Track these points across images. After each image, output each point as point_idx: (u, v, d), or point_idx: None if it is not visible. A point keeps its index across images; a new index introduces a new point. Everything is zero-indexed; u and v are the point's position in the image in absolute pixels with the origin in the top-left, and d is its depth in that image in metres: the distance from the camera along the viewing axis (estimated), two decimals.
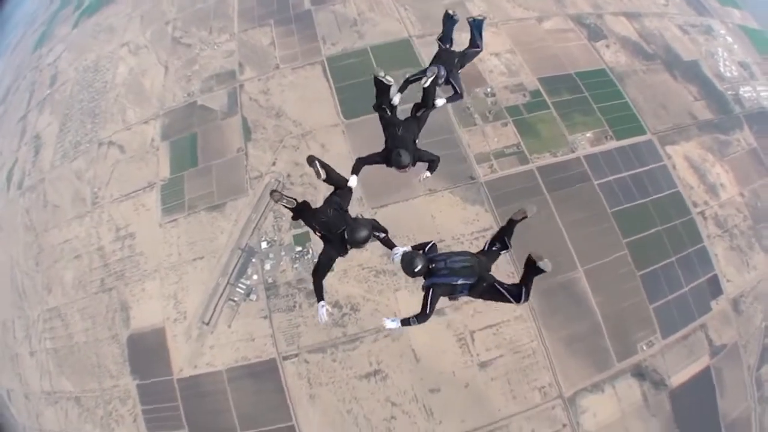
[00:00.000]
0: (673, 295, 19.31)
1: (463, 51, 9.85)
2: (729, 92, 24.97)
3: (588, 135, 20.69)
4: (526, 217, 7.37)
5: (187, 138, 22.13)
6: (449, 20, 9.79)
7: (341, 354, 17.68)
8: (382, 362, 17.36)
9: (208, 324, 18.30)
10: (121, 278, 19.99)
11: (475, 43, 9.90)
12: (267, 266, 18.91)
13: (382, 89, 8.93)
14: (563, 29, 23.59)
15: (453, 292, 7.28)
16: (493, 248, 7.69)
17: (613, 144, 20.98)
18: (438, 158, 8.81)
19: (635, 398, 17.61)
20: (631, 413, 17.56)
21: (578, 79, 22.23)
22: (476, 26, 9.78)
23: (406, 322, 7.29)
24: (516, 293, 6.99)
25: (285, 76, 22.61)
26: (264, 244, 19.18)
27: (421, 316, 7.15)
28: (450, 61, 9.56)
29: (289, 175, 20.38)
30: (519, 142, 20.35)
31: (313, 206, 8.06)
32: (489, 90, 20.57)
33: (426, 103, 8.94)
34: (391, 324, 7.36)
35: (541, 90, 21.58)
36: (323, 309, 7.47)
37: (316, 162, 7.84)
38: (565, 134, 20.76)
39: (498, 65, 21.60)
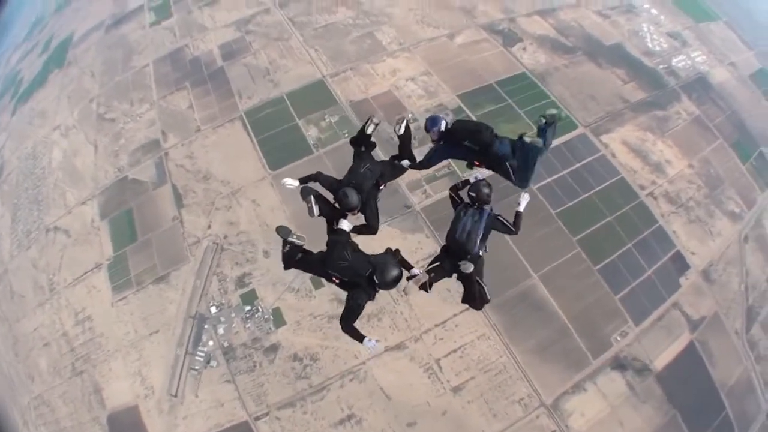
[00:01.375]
0: (637, 281, 19.83)
1: (506, 161, 8.07)
2: (660, 66, 25.95)
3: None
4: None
5: (123, 214, 22.61)
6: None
7: (311, 405, 17.78)
8: (353, 406, 17.56)
9: (176, 396, 18.55)
10: (89, 361, 20.32)
11: (524, 176, 7.96)
12: (220, 330, 19.21)
13: (365, 134, 8.20)
14: (476, 40, 24.50)
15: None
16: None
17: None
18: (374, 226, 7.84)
19: (620, 390, 17.95)
20: (620, 405, 17.89)
21: (499, 88, 23.03)
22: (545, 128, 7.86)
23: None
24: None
25: (207, 136, 23.22)
26: (213, 309, 19.52)
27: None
28: (468, 135, 7.98)
29: (225, 236, 20.82)
30: (449, 162, 20.57)
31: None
32: (410, 116, 21.20)
33: (402, 155, 8.32)
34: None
35: (463, 106, 22.31)
36: (372, 342, 7.11)
37: (312, 197, 7.43)
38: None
39: (415, 89, 22.39)
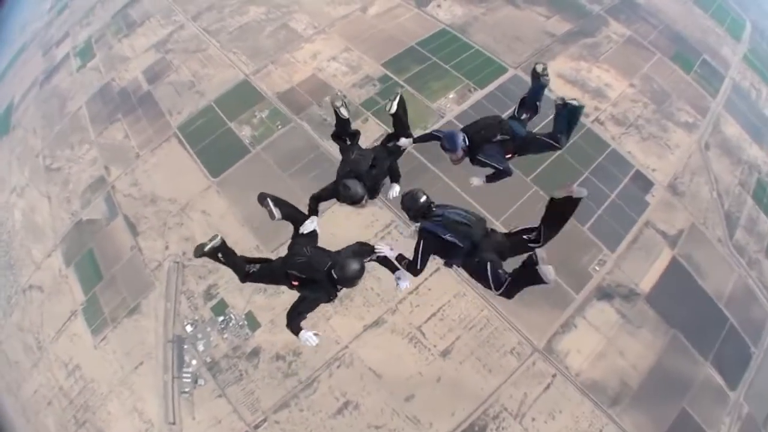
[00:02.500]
0: (602, 208, 18.78)
1: (534, 134, 7.45)
2: None
3: (451, 96, 20.20)
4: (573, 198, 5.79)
5: (85, 256, 21.07)
6: (536, 81, 7.65)
7: (305, 401, 16.58)
8: (347, 393, 16.25)
9: (174, 423, 17.30)
10: (88, 409, 18.83)
11: (556, 135, 7.13)
12: (200, 347, 17.88)
13: (340, 120, 7.33)
14: (390, 8, 23.22)
15: (446, 253, 6.35)
16: (523, 236, 6.29)
17: (479, 94, 20.60)
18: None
19: (612, 319, 16.96)
20: (616, 335, 16.88)
21: (421, 49, 21.93)
22: (568, 115, 7.12)
23: (408, 267, 6.66)
24: (497, 282, 5.84)
25: (147, 160, 21.75)
26: (189, 328, 18.15)
27: (411, 267, 6.50)
28: (489, 131, 7.09)
29: (184, 253, 19.34)
30: (384, 130, 19.42)
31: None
32: (338, 93, 19.62)
33: (398, 133, 7.45)
34: (404, 284, 6.82)
35: (389, 73, 21.14)
36: (308, 334, 6.54)
37: (268, 200, 6.91)
38: (428, 105, 20.34)
39: (339, 67, 21.12)
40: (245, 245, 18.31)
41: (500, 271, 5.85)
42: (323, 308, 16.93)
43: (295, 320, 6.45)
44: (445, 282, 17.44)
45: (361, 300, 17.46)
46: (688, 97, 22.80)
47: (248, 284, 15.50)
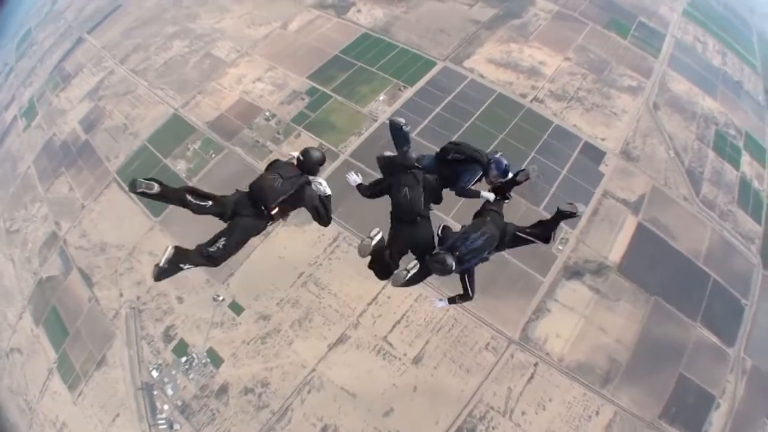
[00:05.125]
0: (555, 186, 16.56)
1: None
2: None
3: (381, 98, 17.54)
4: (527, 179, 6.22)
5: (51, 314, 18.30)
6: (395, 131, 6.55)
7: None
8: (322, 417, 13.90)
9: None
10: None
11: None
12: (169, 391, 15.30)
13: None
14: (310, 20, 20.43)
15: (484, 260, 5.73)
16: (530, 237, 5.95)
17: (409, 92, 18.17)
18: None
19: (586, 297, 14.87)
20: (593, 312, 14.74)
21: (345, 56, 19.44)
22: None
23: (453, 300, 6.08)
24: (543, 236, 5.76)
25: (92, 209, 18.81)
26: (155, 373, 15.54)
27: (467, 298, 5.81)
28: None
29: (138, 298, 16.58)
30: (319, 143, 17.00)
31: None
32: (267, 114, 16.91)
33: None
34: (440, 303, 6.35)
35: (315, 85, 18.56)
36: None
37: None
38: (359, 110, 17.82)
39: (265, 87, 18.41)
40: (196, 280, 15.86)
41: (531, 230, 5.83)
42: (281, 336, 14.98)
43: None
44: (403, 288, 14.38)
45: (320, 319, 14.85)
46: (629, 61, 20.62)
47: (203, 322, 15.39)
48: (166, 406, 15.23)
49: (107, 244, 17.94)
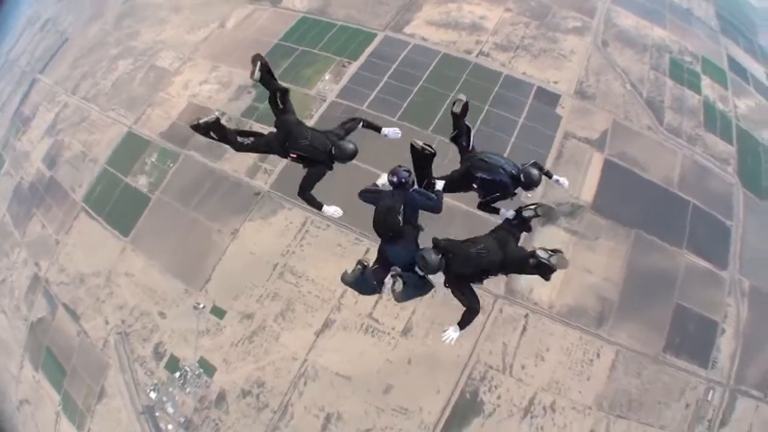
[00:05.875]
0: (514, 136, 15.64)
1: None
2: None
3: (326, 77, 16.49)
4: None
5: (47, 356, 17.40)
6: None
7: (287, 430, 13.19)
8: (324, 406, 13.02)
9: None
10: None
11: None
12: (170, 410, 14.49)
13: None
14: (247, 15, 19.38)
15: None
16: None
17: (354, 66, 17.19)
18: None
19: (564, 240, 14.03)
20: (574, 254, 13.75)
21: (285, 42, 18.29)
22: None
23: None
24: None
25: (65, 243, 17.80)
26: (153, 394, 14.70)
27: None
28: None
29: (123, 321, 15.59)
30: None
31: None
32: (217, 113, 15.05)
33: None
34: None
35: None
36: (332, 209, 5.70)
37: (259, 62, 5.74)
38: (307, 93, 16.88)
39: (211, 88, 17.50)
40: (173, 292, 14.95)
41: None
42: (266, 334, 14.14)
43: (309, 194, 5.66)
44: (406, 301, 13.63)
45: (302, 308, 13.91)
46: (571, 3, 19.57)
47: (189, 332, 14.27)
48: (170, 426, 14.37)
49: (84, 274, 16.99)
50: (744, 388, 13.85)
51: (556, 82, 16.89)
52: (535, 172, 5.68)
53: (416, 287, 5.35)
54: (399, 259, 5.32)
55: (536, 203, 5.75)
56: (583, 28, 18.66)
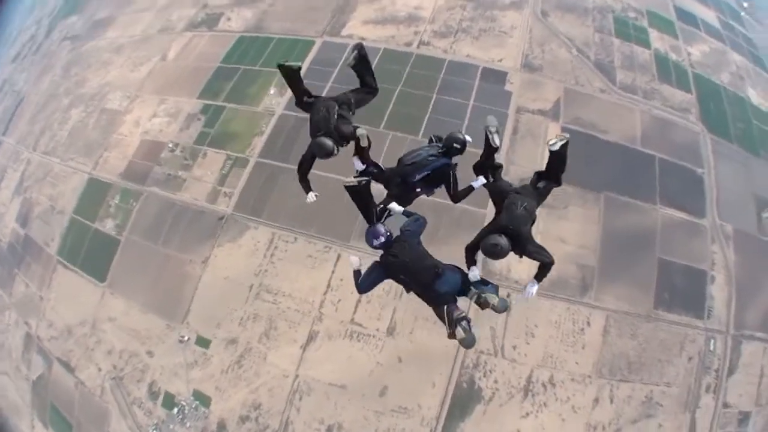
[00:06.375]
0: (467, 119, 14.93)
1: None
2: None
3: (272, 91, 15.62)
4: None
5: (53, 412, 16.60)
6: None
7: None
8: (323, 419, 12.47)
9: None
10: None
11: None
12: None
13: (489, 148, 5.07)
14: (186, 43, 18.56)
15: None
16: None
17: None
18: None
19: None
20: (547, 225, 13.25)
21: (226, 65, 17.39)
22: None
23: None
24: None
25: (48, 299, 16.95)
26: None
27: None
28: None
29: (114, 366, 14.90)
30: (226, 154, 15.21)
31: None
32: (170, 145, 15.35)
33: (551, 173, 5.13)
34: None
35: (207, 102, 16.54)
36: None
37: (357, 51, 5.15)
38: (254, 110, 16.07)
39: (161, 121, 16.67)
40: (156, 329, 14.31)
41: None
42: (255, 357, 13.46)
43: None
44: (349, 265, 12.90)
45: (284, 324, 13.27)
46: None
47: (179, 367, 13.80)
48: None
49: (71, 325, 16.20)
50: (747, 332, 13.26)
51: (500, 60, 16.13)
52: (457, 135, 5.16)
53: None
54: (454, 285, 4.74)
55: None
56: (520, 1, 17.82)
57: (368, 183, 4.93)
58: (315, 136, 4.98)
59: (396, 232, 4.89)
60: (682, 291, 13.37)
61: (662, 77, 16.77)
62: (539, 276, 4.96)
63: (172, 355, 14.14)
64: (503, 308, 4.58)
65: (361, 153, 5.11)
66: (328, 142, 4.83)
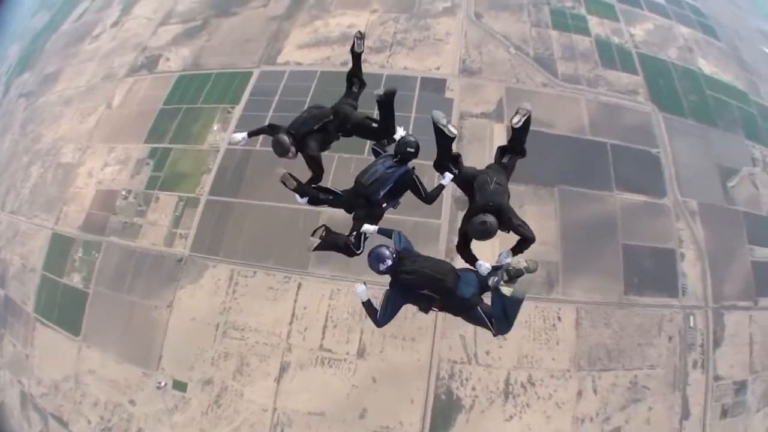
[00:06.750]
0: (411, 129, 13.27)
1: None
2: None
3: (215, 127, 14.96)
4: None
5: None
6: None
7: None
8: None
9: None
10: None
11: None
12: None
13: (445, 139, 4.83)
14: (129, 89, 17.75)
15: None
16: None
17: (238, 110, 15.46)
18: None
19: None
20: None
21: (169, 106, 16.57)
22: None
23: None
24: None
25: (34, 356, 16.34)
26: None
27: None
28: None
29: (101, 418, 14.38)
30: (178, 196, 14.65)
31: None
32: (123, 193, 14.75)
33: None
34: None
35: (154, 145, 15.84)
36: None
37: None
38: (200, 148, 15.46)
39: (112, 170, 15.92)
40: (134, 378, 13.85)
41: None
42: (233, 387, 12.90)
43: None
44: (312, 292, 12.90)
45: (255, 360, 12.79)
46: None
47: (162, 412, 13.32)
48: None
49: (57, 381, 15.71)
50: (727, 303, 12.83)
51: (438, 68, 15.50)
52: (408, 139, 4.87)
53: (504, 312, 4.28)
54: (475, 283, 4.36)
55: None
56: (452, 7, 17.09)
57: (327, 229, 4.75)
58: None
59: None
60: (652, 273, 12.89)
61: (606, 63, 16.14)
62: (516, 249, 4.60)
63: (153, 402, 13.68)
64: (534, 267, 4.14)
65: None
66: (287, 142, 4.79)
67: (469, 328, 12.16)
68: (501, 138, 14.02)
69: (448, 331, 12.25)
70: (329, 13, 17.23)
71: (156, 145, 15.40)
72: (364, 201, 4.81)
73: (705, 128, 15.55)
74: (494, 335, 4.43)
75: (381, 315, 4.46)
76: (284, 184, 4.66)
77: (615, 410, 11.90)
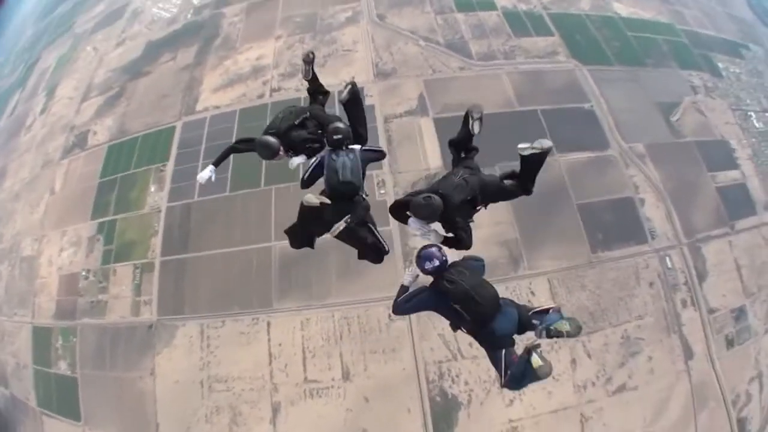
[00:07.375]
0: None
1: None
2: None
3: (152, 189, 13.97)
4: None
5: None
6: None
7: None
8: None
9: None
10: None
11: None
12: None
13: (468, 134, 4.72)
14: (67, 171, 16.63)
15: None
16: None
17: (170, 166, 14.48)
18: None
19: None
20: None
21: (105, 178, 15.57)
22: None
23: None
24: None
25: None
26: None
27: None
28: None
29: None
30: (133, 264, 13.82)
31: None
32: (84, 273, 14.20)
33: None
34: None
35: (101, 220, 14.93)
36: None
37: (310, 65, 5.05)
38: (142, 213, 14.54)
39: (68, 254, 15.07)
40: None
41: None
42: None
43: None
44: (283, 325, 12.21)
45: (246, 407, 12.04)
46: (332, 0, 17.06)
47: None
48: None
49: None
50: (700, 236, 12.22)
51: (353, 77, 14.65)
52: (332, 127, 4.61)
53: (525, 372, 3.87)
54: (513, 323, 4.07)
55: None
56: (354, 15, 16.15)
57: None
58: None
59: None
60: (615, 225, 12.26)
61: (518, 32, 15.29)
62: (448, 242, 4.36)
63: None
64: (577, 330, 3.74)
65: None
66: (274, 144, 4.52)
67: (446, 324, 11.64)
68: (430, 131, 13.25)
69: (426, 333, 11.52)
70: (236, 51, 16.20)
71: (102, 220, 14.48)
72: (350, 202, 4.41)
73: (635, 70, 14.76)
74: (501, 386, 4.17)
75: (402, 301, 4.19)
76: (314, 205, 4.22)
77: (614, 369, 11.25)
